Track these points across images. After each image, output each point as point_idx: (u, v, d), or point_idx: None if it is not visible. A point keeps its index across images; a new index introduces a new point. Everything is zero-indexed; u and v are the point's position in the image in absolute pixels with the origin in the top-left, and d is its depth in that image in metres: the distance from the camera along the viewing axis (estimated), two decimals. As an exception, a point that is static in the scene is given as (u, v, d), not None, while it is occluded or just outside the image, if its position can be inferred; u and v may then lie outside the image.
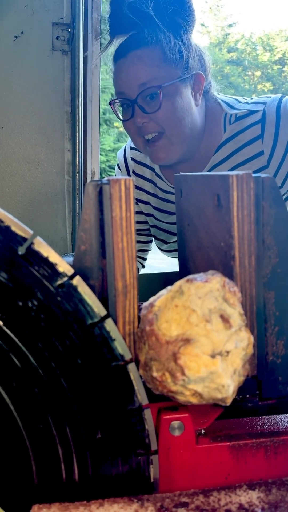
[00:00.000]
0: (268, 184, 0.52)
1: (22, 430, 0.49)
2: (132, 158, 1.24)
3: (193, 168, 1.12)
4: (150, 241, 1.34)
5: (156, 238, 1.30)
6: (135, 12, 0.98)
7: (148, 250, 1.35)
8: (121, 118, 1.07)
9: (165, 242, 1.27)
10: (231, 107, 1.11)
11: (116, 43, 1.06)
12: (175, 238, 1.22)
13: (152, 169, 1.21)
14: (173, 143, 1.03)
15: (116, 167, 1.32)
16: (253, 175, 0.51)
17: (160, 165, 1.19)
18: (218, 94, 1.15)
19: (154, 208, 1.24)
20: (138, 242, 1.31)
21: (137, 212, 1.27)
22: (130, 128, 1.06)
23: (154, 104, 1.00)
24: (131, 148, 1.25)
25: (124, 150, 1.28)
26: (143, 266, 1.35)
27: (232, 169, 1.09)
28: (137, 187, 1.23)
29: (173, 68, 1.00)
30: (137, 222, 1.27)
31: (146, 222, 1.29)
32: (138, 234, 1.30)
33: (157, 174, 1.21)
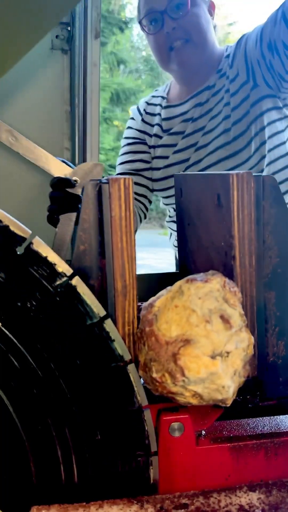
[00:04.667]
0: (269, 184, 0.52)
1: (21, 431, 0.49)
2: (145, 102, 1.37)
3: (198, 83, 1.21)
4: (152, 190, 1.35)
5: (157, 158, 1.33)
6: None
7: (150, 201, 1.38)
8: (151, 33, 1.19)
9: (166, 158, 1.30)
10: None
11: None
12: (177, 155, 1.28)
13: (160, 105, 1.32)
14: (199, 48, 1.16)
15: (129, 120, 1.41)
16: (254, 174, 0.51)
17: (171, 94, 1.29)
18: None
19: (160, 137, 1.31)
20: (143, 185, 1.33)
21: (143, 152, 1.32)
22: (158, 40, 1.18)
23: (182, 12, 1.14)
24: (144, 100, 1.38)
25: (137, 104, 1.41)
26: (145, 217, 1.36)
27: (222, 75, 1.20)
28: (147, 123, 1.33)
29: None
30: (143, 160, 1.32)
31: (150, 162, 1.34)
32: (144, 177, 1.33)
33: (163, 107, 1.31)
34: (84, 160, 1.49)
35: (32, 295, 0.47)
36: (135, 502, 0.49)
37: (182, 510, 0.49)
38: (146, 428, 0.50)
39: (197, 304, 0.47)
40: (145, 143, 1.33)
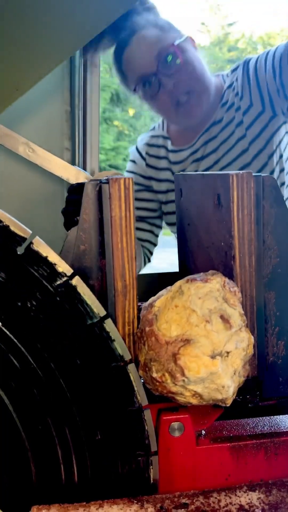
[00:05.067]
0: (269, 184, 0.52)
1: (21, 431, 0.49)
2: (145, 144, 1.31)
3: (203, 121, 1.18)
4: (157, 235, 1.35)
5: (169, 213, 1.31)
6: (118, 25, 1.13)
7: (155, 245, 1.35)
8: (149, 97, 1.14)
9: None
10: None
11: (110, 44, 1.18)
12: None
13: (165, 147, 1.28)
14: (203, 93, 1.13)
15: (128, 163, 1.37)
16: (254, 174, 0.51)
17: (173, 133, 1.26)
18: None
19: (173, 182, 1.27)
20: (147, 231, 1.32)
21: (148, 200, 1.30)
22: (161, 100, 1.13)
23: (175, 65, 1.10)
24: (142, 141, 1.33)
25: (135, 144, 1.36)
26: (149, 260, 1.35)
27: (229, 107, 1.17)
28: (153, 167, 1.29)
29: (171, 33, 1.12)
30: (148, 209, 1.30)
31: (156, 211, 1.31)
32: (148, 223, 1.31)
33: (170, 150, 1.26)
34: (84, 160, 1.49)
35: (32, 295, 0.47)
36: (135, 501, 0.49)
37: (182, 509, 0.49)
38: (146, 428, 0.50)
39: (197, 304, 0.48)
40: (151, 190, 1.29)
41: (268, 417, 0.59)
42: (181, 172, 0.69)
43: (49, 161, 1.38)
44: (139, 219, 1.28)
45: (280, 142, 1.14)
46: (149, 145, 1.30)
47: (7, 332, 0.47)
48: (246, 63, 1.16)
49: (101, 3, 0.71)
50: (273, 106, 1.12)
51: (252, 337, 0.49)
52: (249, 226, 0.51)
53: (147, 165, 1.28)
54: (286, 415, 0.60)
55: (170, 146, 1.26)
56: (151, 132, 1.32)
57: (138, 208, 1.27)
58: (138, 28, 1.11)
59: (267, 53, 1.13)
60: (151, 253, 1.35)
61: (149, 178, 1.29)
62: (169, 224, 1.33)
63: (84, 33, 0.80)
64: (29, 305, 0.47)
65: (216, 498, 0.51)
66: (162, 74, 1.09)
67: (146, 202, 1.29)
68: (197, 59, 1.13)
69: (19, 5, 0.67)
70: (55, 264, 0.47)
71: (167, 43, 1.09)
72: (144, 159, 1.29)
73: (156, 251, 1.40)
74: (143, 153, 1.29)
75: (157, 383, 0.48)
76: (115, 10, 0.74)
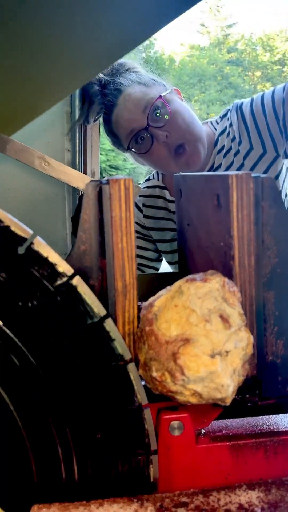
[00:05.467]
0: (268, 184, 0.52)
1: (22, 430, 0.49)
2: (140, 196, 1.31)
3: (200, 169, 1.18)
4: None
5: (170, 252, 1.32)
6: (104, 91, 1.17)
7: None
8: (145, 151, 1.14)
9: None
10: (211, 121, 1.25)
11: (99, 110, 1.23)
12: None
13: (163, 197, 1.27)
14: (196, 142, 1.12)
15: None
16: (253, 175, 0.52)
17: (169, 182, 1.27)
18: None
19: (175, 230, 1.27)
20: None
21: (145, 248, 1.31)
22: (157, 152, 1.13)
23: (164, 118, 1.10)
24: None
25: None
26: None
27: (226, 152, 1.17)
28: (151, 217, 1.29)
29: (156, 87, 1.14)
30: (141, 256, 1.31)
31: (151, 260, 1.33)
32: (139, 270, 1.31)
33: (169, 200, 1.26)
34: (84, 161, 1.49)
35: (33, 295, 0.48)
36: (135, 500, 0.50)
37: (182, 508, 0.49)
38: (146, 427, 0.50)
39: (197, 304, 0.48)
40: (149, 240, 1.30)
41: (267, 416, 0.60)
42: (181, 174, 0.70)
43: (65, 173, 1.38)
44: None
45: (284, 182, 1.15)
46: (144, 196, 1.29)
47: (8, 332, 0.48)
48: (239, 108, 1.15)
49: (121, 31, 0.71)
50: (276, 148, 1.12)
51: (252, 336, 0.50)
52: (248, 226, 0.52)
53: (145, 216, 1.28)
54: (285, 414, 0.60)
55: (169, 196, 1.25)
56: (145, 183, 1.32)
57: None
58: (122, 89, 1.13)
59: (262, 97, 1.12)
60: None
61: (148, 228, 1.29)
62: (171, 263, 1.33)
63: (101, 61, 0.81)
64: (29, 305, 0.48)
65: (215, 497, 0.51)
66: (153, 128, 1.09)
67: (140, 250, 1.30)
68: (185, 109, 1.13)
69: (40, 32, 0.68)
70: (56, 264, 0.47)
71: (153, 96, 1.10)
72: (141, 211, 1.29)
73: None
74: (140, 205, 1.29)
75: (157, 382, 0.48)
76: (133, 39, 0.74)
